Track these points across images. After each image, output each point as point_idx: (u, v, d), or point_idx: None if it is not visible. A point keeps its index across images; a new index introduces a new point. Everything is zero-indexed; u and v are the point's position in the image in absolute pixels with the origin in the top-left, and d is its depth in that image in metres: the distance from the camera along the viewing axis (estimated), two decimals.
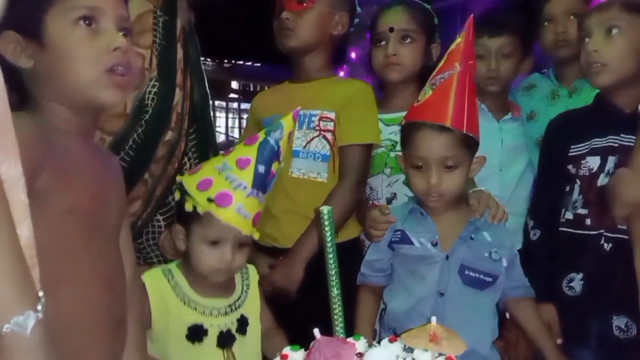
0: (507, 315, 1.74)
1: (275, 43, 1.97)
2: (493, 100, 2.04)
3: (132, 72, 1.16)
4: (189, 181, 1.44)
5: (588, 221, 1.69)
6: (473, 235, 1.57)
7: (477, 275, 1.55)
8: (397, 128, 1.85)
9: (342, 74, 2.33)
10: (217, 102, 7.22)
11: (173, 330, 1.43)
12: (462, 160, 1.53)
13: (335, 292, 0.94)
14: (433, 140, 1.51)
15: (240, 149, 1.48)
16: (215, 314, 1.46)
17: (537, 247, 1.81)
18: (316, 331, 0.88)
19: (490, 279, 1.56)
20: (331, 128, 1.86)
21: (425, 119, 1.52)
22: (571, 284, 1.71)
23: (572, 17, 2.01)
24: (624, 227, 1.57)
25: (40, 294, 0.72)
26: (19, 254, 0.70)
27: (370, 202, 1.94)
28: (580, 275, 1.70)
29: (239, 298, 1.53)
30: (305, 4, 1.87)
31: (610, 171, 1.66)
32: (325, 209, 0.94)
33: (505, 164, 2.00)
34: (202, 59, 1.98)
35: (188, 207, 1.41)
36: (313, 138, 1.87)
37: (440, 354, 0.89)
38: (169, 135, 1.74)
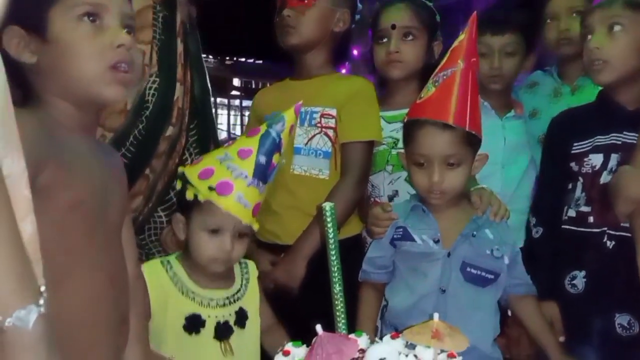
0: (509, 313, 1.74)
1: (276, 40, 1.97)
2: (496, 98, 2.03)
3: (135, 69, 1.16)
4: (191, 171, 1.45)
5: (591, 219, 1.68)
6: (475, 233, 1.57)
7: (478, 272, 1.55)
8: (398, 125, 1.84)
9: (344, 71, 2.33)
10: (218, 100, 7.22)
11: (171, 321, 1.43)
12: (464, 158, 1.53)
13: (337, 288, 0.94)
14: (435, 137, 1.51)
15: (242, 140, 1.50)
16: (214, 305, 1.47)
17: (540, 244, 1.80)
18: (318, 327, 0.88)
19: (492, 277, 1.56)
20: (333, 125, 1.86)
21: (428, 117, 1.52)
22: (574, 282, 1.71)
23: (574, 14, 2.01)
24: (627, 225, 1.57)
25: (42, 288, 0.72)
26: (21, 249, 0.70)
27: (372, 199, 1.94)
28: (583, 273, 1.70)
29: (238, 291, 1.53)
30: (306, 1, 1.87)
31: (613, 169, 1.66)
32: (327, 206, 0.94)
33: (507, 161, 2.00)
34: (203, 56, 1.98)
35: (189, 195, 1.42)
36: (314, 135, 1.87)
37: (442, 351, 0.89)
38: (170, 131, 1.74)
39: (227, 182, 1.40)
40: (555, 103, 2.07)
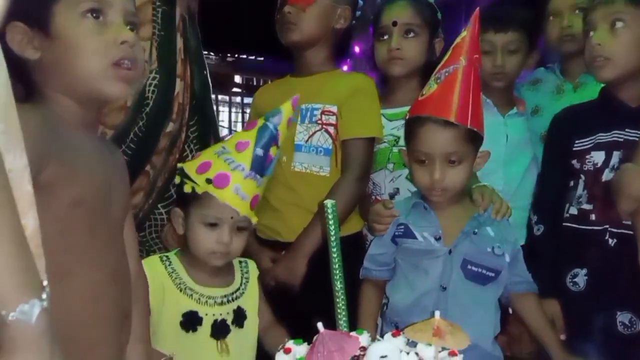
0: (510, 311, 1.74)
1: (277, 37, 1.96)
2: (498, 95, 2.03)
3: (138, 66, 1.16)
4: (189, 166, 1.47)
5: (593, 216, 1.68)
6: (476, 230, 1.57)
7: (479, 270, 1.55)
8: (399, 123, 1.84)
9: (345, 68, 2.33)
10: (220, 97, 7.21)
11: (168, 317, 1.43)
12: (466, 155, 1.53)
13: (338, 286, 0.94)
14: (437, 135, 1.50)
15: (240, 134, 1.52)
16: (211, 303, 1.47)
17: (541, 242, 1.80)
18: (319, 325, 0.88)
19: (493, 274, 1.56)
20: (333, 122, 1.86)
21: (430, 114, 1.51)
22: (575, 280, 1.71)
23: (577, 11, 2.00)
24: (629, 223, 1.57)
25: (45, 282, 0.72)
26: (23, 243, 0.70)
27: (374, 197, 1.93)
28: (585, 271, 1.70)
29: (237, 289, 1.53)
30: None
31: (615, 166, 1.65)
32: (329, 203, 0.94)
33: (510, 158, 2.00)
34: (205, 52, 1.97)
35: (187, 189, 1.44)
36: (315, 132, 1.86)
37: (443, 348, 0.89)
38: (170, 127, 1.74)
39: (224, 174, 1.41)
40: (558, 100, 2.06)
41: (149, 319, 1.36)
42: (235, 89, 7.73)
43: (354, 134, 1.85)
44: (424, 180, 1.55)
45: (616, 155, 1.67)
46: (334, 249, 0.93)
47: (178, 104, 1.76)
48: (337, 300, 0.94)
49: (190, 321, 1.43)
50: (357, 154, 1.84)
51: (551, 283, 1.72)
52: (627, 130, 1.67)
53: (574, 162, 1.75)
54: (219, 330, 1.45)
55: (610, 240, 1.64)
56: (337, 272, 0.94)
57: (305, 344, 0.92)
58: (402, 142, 1.73)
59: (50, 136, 1.02)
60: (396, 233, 1.59)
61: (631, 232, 1.55)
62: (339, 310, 0.94)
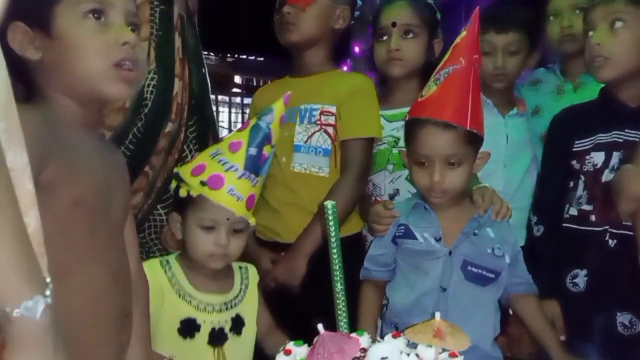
0: (510, 312, 1.74)
1: (277, 37, 1.96)
2: (499, 96, 2.02)
3: (139, 67, 1.16)
4: (184, 169, 1.47)
5: (593, 217, 1.68)
6: (476, 231, 1.57)
7: (479, 271, 1.54)
8: (399, 124, 1.84)
9: (345, 68, 2.33)
10: (220, 97, 7.21)
11: (166, 323, 1.43)
12: (465, 157, 1.52)
13: (339, 287, 0.94)
14: (436, 137, 1.50)
15: (233, 134, 1.51)
16: (210, 310, 1.46)
17: (541, 242, 1.80)
18: (320, 326, 0.88)
19: (493, 275, 1.55)
20: (332, 122, 1.85)
21: (428, 116, 1.51)
22: (575, 280, 1.71)
23: (578, 11, 2.00)
24: (629, 223, 1.57)
25: (48, 279, 0.72)
26: (26, 240, 0.70)
27: (373, 198, 1.93)
28: (585, 272, 1.70)
29: (236, 297, 1.52)
30: None
31: (615, 167, 1.65)
32: (329, 204, 0.94)
33: (510, 159, 2.00)
34: (204, 53, 1.97)
35: (182, 192, 1.43)
36: (314, 132, 1.86)
37: (444, 350, 0.89)
38: (169, 127, 1.74)
39: (218, 175, 1.40)
40: (558, 100, 2.06)
41: (149, 319, 1.36)
42: (235, 90, 7.72)
43: (353, 134, 1.84)
44: (424, 182, 1.55)
45: (616, 156, 1.67)
46: (334, 251, 0.93)
47: (177, 104, 1.76)
48: (338, 301, 0.94)
49: (188, 328, 1.43)
50: (356, 154, 1.84)
51: (551, 284, 1.72)
52: (626, 130, 1.67)
53: (574, 162, 1.75)
54: (217, 338, 1.45)
55: (610, 241, 1.64)
56: (338, 273, 0.94)
57: (306, 345, 0.92)
58: (401, 143, 1.73)
59: (51, 136, 1.02)
60: (396, 234, 1.59)
61: (631, 233, 1.55)
62: (339, 312, 0.94)
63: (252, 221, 1.48)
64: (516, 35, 1.97)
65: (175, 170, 1.52)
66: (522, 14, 2.03)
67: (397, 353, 0.88)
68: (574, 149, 1.76)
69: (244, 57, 6.77)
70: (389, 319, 1.60)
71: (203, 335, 1.44)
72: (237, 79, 7.78)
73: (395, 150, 1.89)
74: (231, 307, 1.50)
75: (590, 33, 1.70)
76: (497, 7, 2.04)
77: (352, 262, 1.58)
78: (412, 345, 0.90)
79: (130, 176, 1.35)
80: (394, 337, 0.91)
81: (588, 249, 1.69)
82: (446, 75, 1.50)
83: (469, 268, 1.54)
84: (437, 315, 0.90)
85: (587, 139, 1.74)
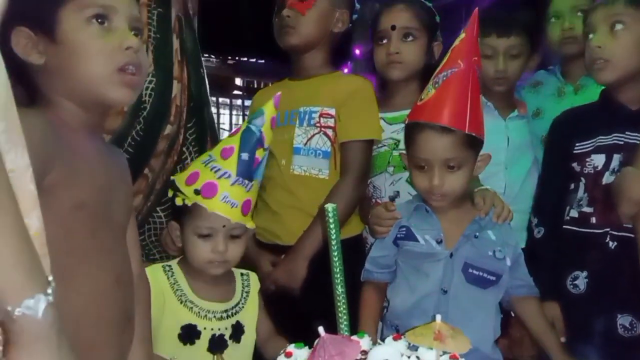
0: (512, 314, 1.74)
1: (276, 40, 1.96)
2: (499, 98, 2.02)
3: (143, 71, 1.16)
4: (180, 178, 1.47)
5: (593, 219, 1.68)
6: (477, 234, 1.57)
7: (480, 273, 1.54)
8: (399, 127, 1.84)
9: (346, 70, 2.33)
10: (220, 99, 7.22)
11: (167, 328, 1.43)
12: (465, 161, 1.52)
13: (339, 289, 0.94)
14: (435, 141, 1.49)
15: (225, 140, 1.51)
16: (211, 317, 1.46)
17: (541, 244, 1.80)
18: (320, 329, 0.88)
19: (494, 278, 1.55)
20: (332, 124, 1.86)
21: (427, 120, 1.50)
22: (575, 282, 1.71)
23: (579, 13, 1.99)
24: (630, 226, 1.57)
25: (50, 277, 0.72)
26: (27, 239, 0.70)
27: (374, 200, 1.93)
28: (585, 274, 1.69)
29: (236, 304, 1.52)
30: (306, 1, 1.87)
31: (615, 169, 1.65)
32: (330, 207, 0.94)
33: (511, 161, 1.99)
34: (205, 55, 1.97)
35: (178, 202, 1.44)
36: (314, 135, 1.86)
37: (444, 352, 0.89)
38: (169, 129, 1.74)
39: (211, 183, 1.40)
40: (559, 103, 2.06)
41: (151, 321, 1.36)
42: (235, 92, 7.73)
43: (353, 136, 1.85)
44: (424, 185, 1.54)
45: (616, 158, 1.66)
46: (335, 253, 0.93)
47: (175, 106, 1.76)
48: (338, 304, 0.94)
49: (189, 334, 1.43)
50: (356, 156, 1.84)
51: (551, 285, 1.72)
52: (627, 133, 1.67)
53: (575, 164, 1.75)
54: (217, 345, 1.45)
55: (610, 243, 1.64)
56: (338, 276, 0.94)
57: (307, 347, 0.92)
58: (402, 145, 1.73)
59: (54, 140, 1.02)
60: (398, 235, 1.59)
61: (631, 235, 1.55)
62: (340, 314, 0.94)
63: (249, 225, 1.48)
64: (517, 38, 1.96)
65: (172, 178, 1.52)
66: (524, 17, 2.02)
67: (397, 355, 0.88)
68: (574, 151, 1.76)
69: (245, 59, 6.78)
70: (390, 321, 1.60)
71: (203, 342, 1.44)
72: (238, 81, 7.79)
73: (395, 153, 1.89)
74: (232, 314, 1.50)
75: (591, 35, 1.70)
76: (498, 10, 2.03)
77: (352, 264, 1.58)
78: (413, 348, 0.90)
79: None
80: (395, 339, 0.92)
81: (588, 251, 1.69)
82: (444, 78, 1.49)
83: (470, 270, 1.54)
84: (438, 317, 0.90)
85: (588, 141, 1.74)
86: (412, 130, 1.55)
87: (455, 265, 1.53)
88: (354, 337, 0.92)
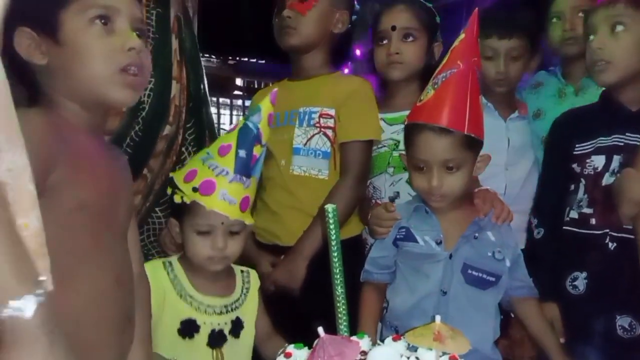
0: (512, 315, 1.74)
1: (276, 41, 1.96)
2: (500, 99, 2.02)
3: (145, 72, 1.17)
4: (178, 175, 1.47)
5: (593, 220, 1.68)
6: (477, 235, 1.57)
7: (479, 274, 1.54)
8: (399, 127, 1.84)
9: (346, 71, 2.33)
10: (221, 99, 7.22)
11: (166, 323, 1.43)
12: (464, 161, 1.52)
13: (339, 290, 0.94)
14: (434, 142, 1.49)
15: (223, 137, 1.51)
16: (210, 311, 1.47)
17: (541, 245, 1.80)
18: (320, 329, 0.88)
19: (493, 279, 1.55)
20: (331, 125, 1.86)
21: (425, 121, 1.50)
22: (575, 283, 1.71)
23: (580, 13, 1.98)
24: (629, 227, 1.57)
25: (43, 277, 0.72)
26: (15, 238, 0.70)
27: (374, 201, 1.93)
28: (584, 274, 1.69)
29: (236, 300, 1.53)
30: (307, 2, 1.87)
31: (615, 170, 1.65)
32: (330, 207, 0.94)
33: (511, 162, 1.99)
34: (206, 55, 1.98)
35: (177, 199, 1.44)
36: (313, 135, 1.86)
37: (444, 353, 0.89)
38: (167, 130, 1.74)
39: (209, 180, 1.41)
40: (560, 103, 2.06)
41: (150, 322, 1.36)
42: (236, 92, 7.74)
43: (353, 137, 1.85)
44: (423, 186, 1.55)
45: (616, 160, 1.66)
46: (335, 254, 0.94)
47: (174, 107, 1.76)
48: (338, 304, 0.94)
49: (188, 328, 1.43)
50: (355, 156, 1.84)
51: (551, 286, 1.72)
52: (627, 134, 1.67)
53: (575, 166, 1.75)
54: (216, 340, 1.45)
55: (610, 244, 1.64)
56: (338, 276, 0.94)
57: (306, 348, 0.93)
58: (402, 146, 1.73)
59: (56, 140, 1.03)
60: (397, 236, 1.59)
61: (631, 236, 1.55)
62: (339, 315, 0.94)
63: (248, 222, 1.49)
64: (518, 40, 1.95)
65: (170, 175, 1.53)
66: (525, 19, 2.01)
67: (397, 356, 0.88)
68: (574, 152, 1.76)
69: (245, 59, 6.79)
70: (389, 322, 1.60)
71: (202, 337, 1.45)
72: (239, 82, 7.80)
73: (395, 153, 1.89)
74: (231, 310, 1.50)
75: (591, 37, 1.70)
76: (499, 12, 2.02)
77: (352, 265, 1.58)
78: (413, 349, 0.90)
79: None
80: (395, 340, 0.92)
81: (588, 252, 1.69)
82: (444, 79, 1.49)
83: (469, 271, 1.54)
84: (438, 318, 0.90)
85: (588, 143, 1.74)
86: (411, 131, 1.55)
87: (455, 266, 1.53)
88: (354, 338, 0.92)
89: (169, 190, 1.50)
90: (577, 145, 1.75)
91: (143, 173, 1.71)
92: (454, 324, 0.94)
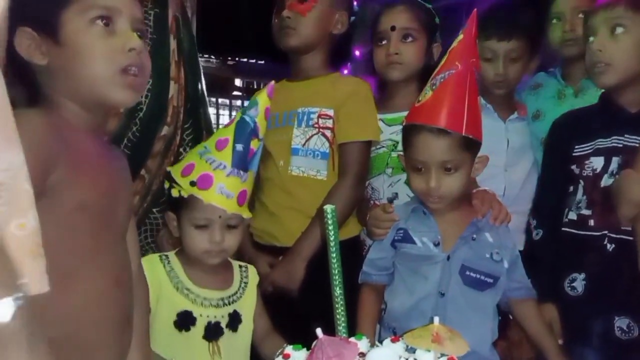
0: (511, 316, 1.74)
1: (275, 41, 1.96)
2: (499, 100, 2.02)
3: (145, 73, 1.17)
4: (175, 169, 1.48)
5: (591, 222, 1.68)
6: (475, 236, 1.56)
7: (477, 276, 1.54)
8: (398, 128, 1.84)
9: (346, 72, 2.33)
10: (220, 100, 7.23)
11: (162, 315, 1.44)
12: (462, 163, 1.52)
13: (338, 291, 0.94)
14: (432, 143, 1.49)
15: (220, 131, 1.52)
16: (207, 304, 1.47)
17: (540, 246, 1.80)
18: (318, 331, 0.88)
19: (491, 280, 1.55)
20: (330, 125, 1.86)
21: (423, 122, 1.50)
22: (573, 284, 1.71)
23: (580, 14, 1.98)
24: (628, 228, 1.57)
25: (25, 280, 0.72)
26: None
27: (372, 202, 1.93)
28: (583, 276, 1.69)
29: (234, 294, 1.53)
30: (306, 3, 1.87)
31: (614, 172, 1.65)
32: (329, 208, 0.94)
33: (510, 163, 1.99)
34: (205, 56, 1.98)
35: (174, 193, 1.45)
36: (312, 136, 1.86)
37: (442, 355, 0.89)
38: (165, 130, 1.74)
39: (207, 174, 1.42)
40: (559, 105, 2.06)
41: (149, 322, 1.36)
42: (235, 92, 7.75)
43: (351, 137, 1.85)
44: (421, 187, 1.54)
45: (615, 161, 1.66)
46: (333, 255, 0.93)
47: (172, 107, 1.75)
48: (337, 305, 0.94)
49: (184, 321, 1.44)
50: (354, 157, 1.84)
51: (549, 287, 1.72)
52: (626, 135, 1.67)
53: (574, 167, 1.75)
54: (212, 333, 1.45)
55: (608, 246, 1.64)
56: (337, 278, 0.94)
57: (305, 349, 0.92)
58: (400, 146, 1.73)
59: (57, 141, 1.03)
60: (395, 237, 1.59)
61: (629, 238, 1.55)
62: (338, 316, 0.94)
63: (245, 215, 1.49)
64: (518, 42, 1.95)
65: (167, 169, 1.53)
66: (524, 20, 2.00)
67: (395, 358, 0.88)
68: (573, 154, 1.76)
69: (245, 60, 6.79)
70: (388, 324, 1.60)
71: (199, 329, 1.45)
72: (238, 82, 7.81)
73: (394, 154, 1.89)
74: (229, 303, 1.50)
75: (591, 39, 1.70)
76: (498, 13, 2.02)
77: (350, 266, 1.58)
78: (411, 350, 0.90)
79: None
80: (393, 341, 0.92)
81: (586, 254, 1.69)
82: (442, 80, 1.49)
83: (467, 273, 1.53)
84: (436, 320, 0.90)
85: (587, 144, 1.74)
86: (409, 132, 1.55)
87: (453, 267, 1.53)
88: (352, 339, 0.92)
89: (166, 184, 1.51)
90: (576, 147, 1.75)
91: (141, 174, 1.71)
92: (452, 326, 0.94)
